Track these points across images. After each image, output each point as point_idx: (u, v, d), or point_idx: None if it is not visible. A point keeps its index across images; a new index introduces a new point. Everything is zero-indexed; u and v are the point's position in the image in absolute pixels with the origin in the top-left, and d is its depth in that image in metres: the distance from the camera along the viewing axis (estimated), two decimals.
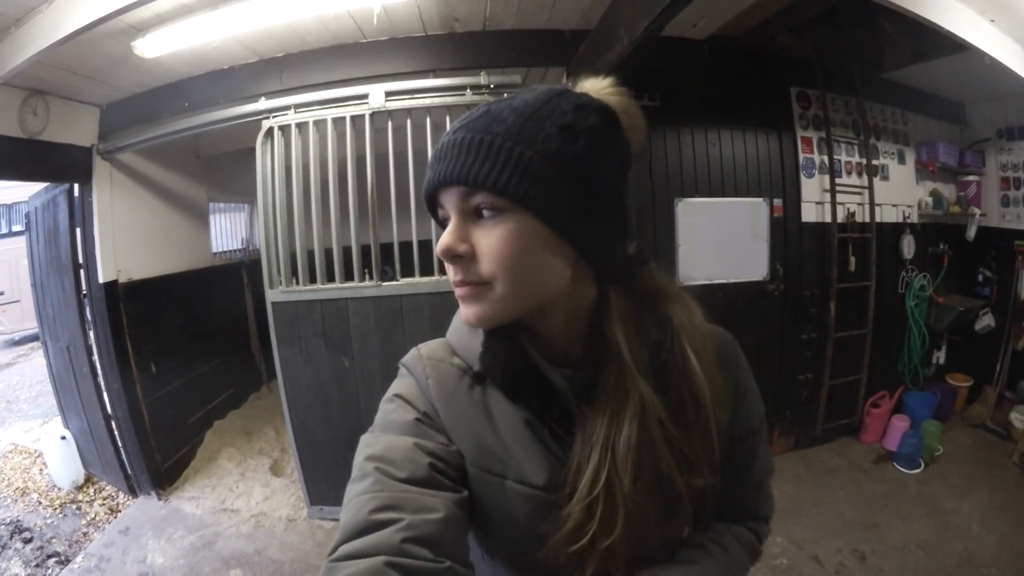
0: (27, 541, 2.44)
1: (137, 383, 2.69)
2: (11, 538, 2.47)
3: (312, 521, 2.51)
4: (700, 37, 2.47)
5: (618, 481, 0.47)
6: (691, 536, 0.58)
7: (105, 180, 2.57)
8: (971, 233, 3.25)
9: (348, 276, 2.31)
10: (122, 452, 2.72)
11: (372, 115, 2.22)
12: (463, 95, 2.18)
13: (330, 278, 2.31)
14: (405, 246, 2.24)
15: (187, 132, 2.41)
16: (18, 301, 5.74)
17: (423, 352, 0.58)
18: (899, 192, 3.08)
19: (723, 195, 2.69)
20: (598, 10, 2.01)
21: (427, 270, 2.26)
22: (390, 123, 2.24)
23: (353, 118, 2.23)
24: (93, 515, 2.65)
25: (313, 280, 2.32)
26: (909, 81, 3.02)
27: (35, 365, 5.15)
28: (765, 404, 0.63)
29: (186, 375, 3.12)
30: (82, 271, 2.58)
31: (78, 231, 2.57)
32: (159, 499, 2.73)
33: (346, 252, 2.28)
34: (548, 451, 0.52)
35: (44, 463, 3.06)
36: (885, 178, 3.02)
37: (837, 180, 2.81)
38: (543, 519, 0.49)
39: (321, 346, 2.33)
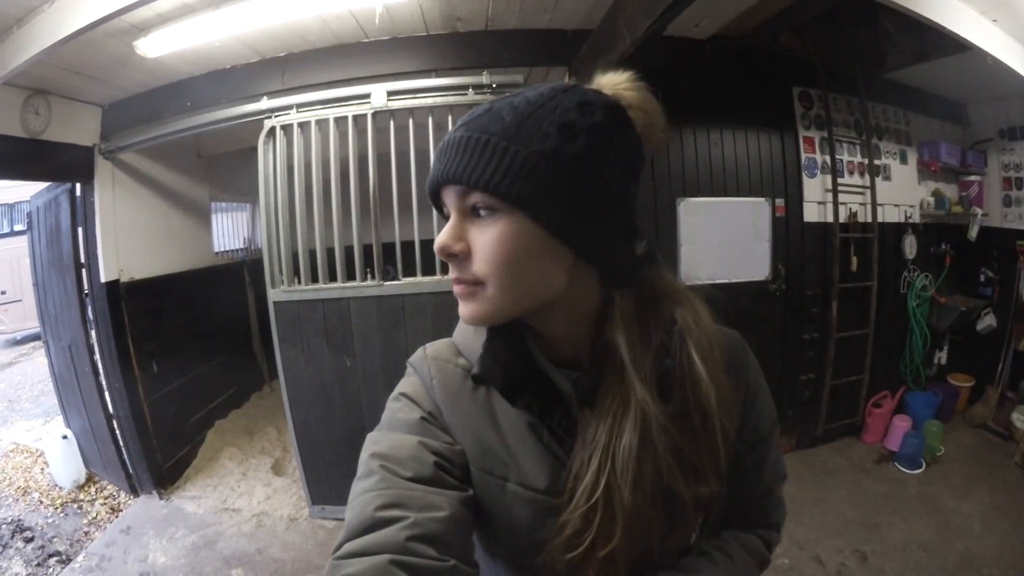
0: (28, 540, 2.44)
1: (139, 382, 2.69)
2: (12, 537, 2.47)
3: (314, 520, 2.51)
4: (702, 37, 2.47)
5: (617, 489, 0.45)
6: (698, 543, 0.57)
7: (107, 180, 2.57)
8: (973, 233, 3.25)
9: (350, 275, 2.31)
10: (123, 451, 2.73)
11: (374, 114, 2.22)
12: (465, 94, 2.18)
13: (332, 277, 2.32)
14: (407, 245, 2.25)
15: (189, 132, 2.41)
16: (20, 300, 5.74)
17: (428, 352, 0.58)
18: (901, 192, 3.07)
19: (725, 195, 2.69)
20: (600, 10, 2.01)
21: (429, 269, 2.27)
22: (392, 122, 2.24)
23: (355, 117, 2.23)
24: (94, 514, 2.65)
25: (315, 279, 2.32)
26: (911, 81, 3.02)
27: (37, 364, 5.15)
28: None
29: (188, 374, 3.12)
30: (84, 270, 2.58)
31: (80, 230, 2.57)
32: (160, 498, 2.73)
33: (348, 251, 2.29)
34: (550, 454, 0.51)
35: (45, 462, 3.07)
36: (887, 178, 3.01)
37: (839, 180, 2.80)
38: (544, 523, 0.48)
39: (323, 345, 2.34)
